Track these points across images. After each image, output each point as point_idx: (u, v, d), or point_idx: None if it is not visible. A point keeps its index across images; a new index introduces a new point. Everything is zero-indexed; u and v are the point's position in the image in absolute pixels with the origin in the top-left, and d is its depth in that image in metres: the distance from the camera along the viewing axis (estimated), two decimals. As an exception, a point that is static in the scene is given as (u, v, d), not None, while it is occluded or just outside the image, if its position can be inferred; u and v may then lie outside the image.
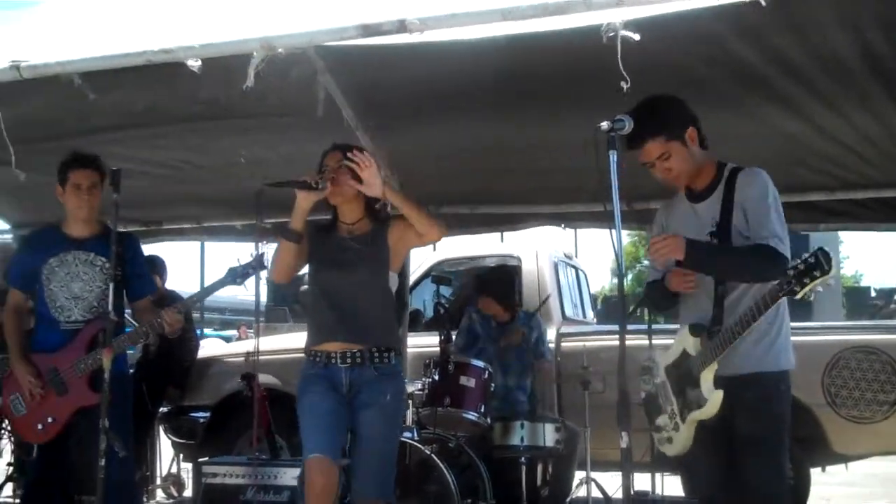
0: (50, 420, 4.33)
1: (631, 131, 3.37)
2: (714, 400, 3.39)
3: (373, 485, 3.87)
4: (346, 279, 3.95)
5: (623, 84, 3.35)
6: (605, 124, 3.12)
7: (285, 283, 4.06)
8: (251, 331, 18.68)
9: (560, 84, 4.63)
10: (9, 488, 6.99)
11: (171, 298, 5.64)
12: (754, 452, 3.45)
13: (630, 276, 42.42)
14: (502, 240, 9.64)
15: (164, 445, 7.94)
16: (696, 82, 4.21)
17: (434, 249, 7.72)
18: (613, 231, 3.10)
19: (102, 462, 3.82)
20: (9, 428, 6.86)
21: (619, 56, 3.29)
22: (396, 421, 4.05)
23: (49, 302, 4.42)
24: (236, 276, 4.29)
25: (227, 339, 17.18)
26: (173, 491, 8.11)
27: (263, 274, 4.45)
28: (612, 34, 3.27)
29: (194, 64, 3.62)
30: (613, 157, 3.07)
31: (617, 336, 6.53)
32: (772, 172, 3.61)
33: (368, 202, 4.06)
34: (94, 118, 5.12)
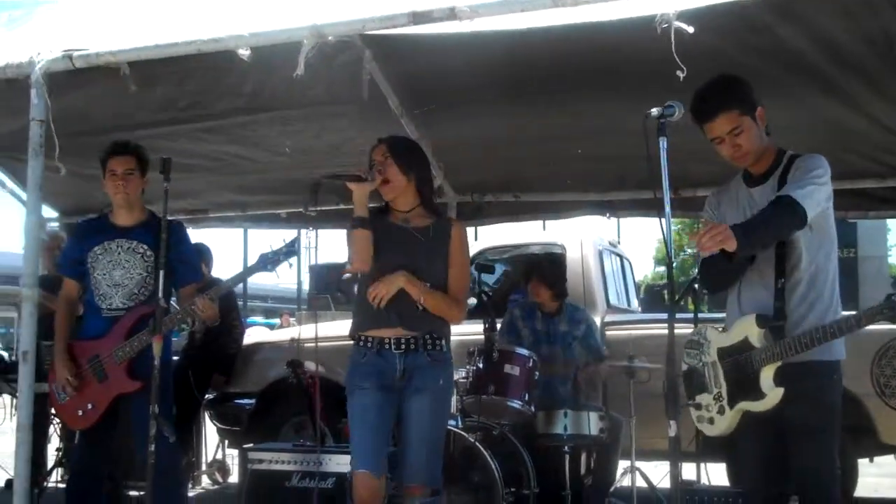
0: (90, 406, 4.38)
1: (703, 104, 3.36)
2: (773, 396, 3.34)
3: (421, 472, 3.88)
4: (405, 267, 3.92)
5: (679, 73, 3.34)
6: (654, 111, 3.07)
7: (364, 272, 4.02)
8: (293, 319, 18.81)
9: (607, 72, 4.61)
10: (57, 473, 7.12)
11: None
12: (807, 442, 3.38)
13: (674, 265, 42.18)
14: (544, 228, 9.60)
15: (210, 432, 8.02)
16: (745, 70, 4.16)
17: (476, 239, 7.70)
18: (660, 219, 3.07)
19: (152, 447, 3.85)
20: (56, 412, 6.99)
21: (672, 46, 3.27)
22: (446, 407, 4.05)
23: (94, 289, 4.48)
24: (267, 262, 4.29)
25: (272, 327, 17.29)
26: (218, 477, 8.18)
27: (293, 260, 4.44)
28: (665, 25, 3.25)
29: (244, 52, 3.65)
30: (663, 143, 3.04)
31: (661, 324, 6.54)
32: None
33: (421, 190, 4.07)
34: (141, 112, 5.19)
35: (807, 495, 3.46)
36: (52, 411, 6.80)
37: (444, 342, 3.97)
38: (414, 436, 3.88)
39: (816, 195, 3.33)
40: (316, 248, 4.30)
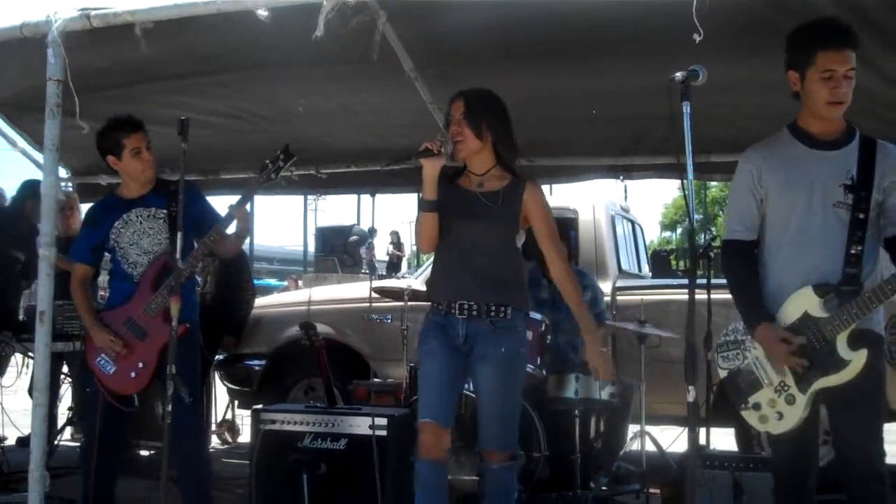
0: (141, 365, 4.38)
1: (847, 29, 3.28)
2: (857, 362, 3.23)
3: (494, 438, 3.87)
4: (473, 234, 3.87)
5: (696, 36, 3.29)
6: (679, 74, 3.02)
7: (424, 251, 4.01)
8: (301, 282, 18.86)
9: (625, 31, 4.56)
10: (67, 432, 7.18)
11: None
12: (865, 410, 3.33)
13: (679, 230, 42.28)
14: (551, 192, 9.54)
15: (220, 392, 8.06)
16: (770, 30, 4.11)
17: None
18: (682, 181, 3.04)
19: (169, 408, 3.86)
20: (67, 372, 7.03)
21: (693, 7, 3.23)
22: (513, 374, 3.92)
23: (122, 259, 4.50)
24: (270, 172, 4.34)
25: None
26: (228, 437, 8.24)
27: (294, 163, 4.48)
28: None
29: (263, 13, 3.62)
30: (687, 108, 3.00)
31: (672, 290, 6.53)
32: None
33: (497, 150, 3.95)
34: (156, 66, 5.15)
35: (852, 468, 3.36)
36: (66, 370, 6.94)
37: (509, 309, 3.87)
38: (484, 404, 3.88)
39: None
40: (287, 149, 4.23)
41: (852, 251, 3.32)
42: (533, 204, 3.91)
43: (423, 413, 3.84)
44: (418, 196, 3.91)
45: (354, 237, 17.59)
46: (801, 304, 3.36)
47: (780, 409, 3.42)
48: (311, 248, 27.52)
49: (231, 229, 4.41)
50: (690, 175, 3.00)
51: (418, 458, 3.83)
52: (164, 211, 4.48)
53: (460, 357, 3.88)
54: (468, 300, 3.84)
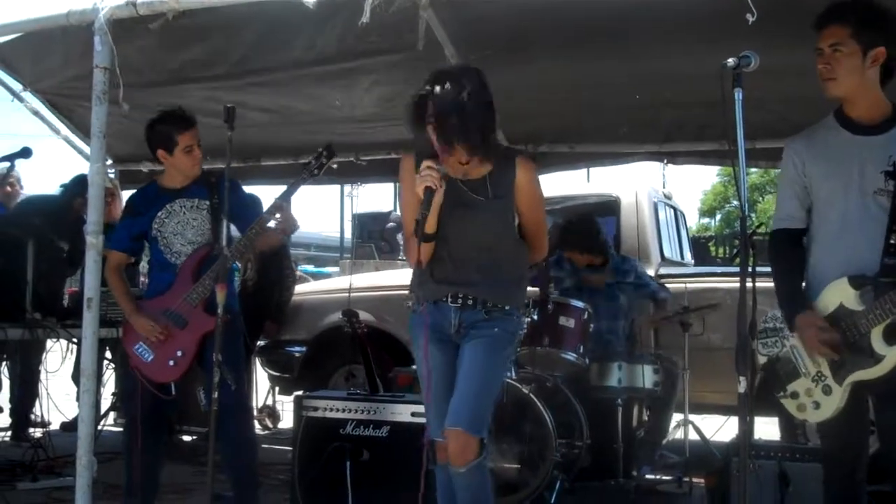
0: (179, 354, 4.39)
1: (826, 10, 3.25)
2: (892, 355, 3.15)
3: (464, 416, 3.40)
4: (462, 230, 3.48)
5: (749, 17, 3.24)
6: (731, 61, 2.95)
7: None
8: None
9: (667, 17, 4.50)
10: (111, 417, 7.25)
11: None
12: None
13: (718, 217, 41.85)
14: (588, 178, 9.47)
15: (261, 378, 8.11)
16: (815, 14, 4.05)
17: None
18: (734, 167, 2.97)
19: (215, 395, 3.88)
20: (110, 357, 7.09)
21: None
22: (502, 354, 3.56)
23: (164, 249, 4.51)
24: (312, 169, 4.32)
25: (328, 275, 17.37)
26: (268, 422, 8.30)
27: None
28: None
29: (309, 1, 3.60)
30: (739, 95, 2.94)
31: (715, 278, 6.49)
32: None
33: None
34: (193, 64, 5.16)
35: None
36: (109, 356, 7.01)
37: (507, 307, 3.56)
38: (462, 377, 3.48)
39: None
40: (331, 148, 4.22)
41: (892, 241, 3.21)
42: (524, 177, 3.48)
43: (431, 430, 3.59)
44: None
45: (392, 224, 17.54)
46: (837, 295, 3.29)
47: (816, 399, 3.38)
48: (348, 235, 27.58)
49: (272, 223, 4.40)
50: (742, 163, 2.94)
51: (436, 464, 3.62)
52: (207, 202, 4.50)
53: (454, 351, 3.58)
54: (462, 292, 3.52)
